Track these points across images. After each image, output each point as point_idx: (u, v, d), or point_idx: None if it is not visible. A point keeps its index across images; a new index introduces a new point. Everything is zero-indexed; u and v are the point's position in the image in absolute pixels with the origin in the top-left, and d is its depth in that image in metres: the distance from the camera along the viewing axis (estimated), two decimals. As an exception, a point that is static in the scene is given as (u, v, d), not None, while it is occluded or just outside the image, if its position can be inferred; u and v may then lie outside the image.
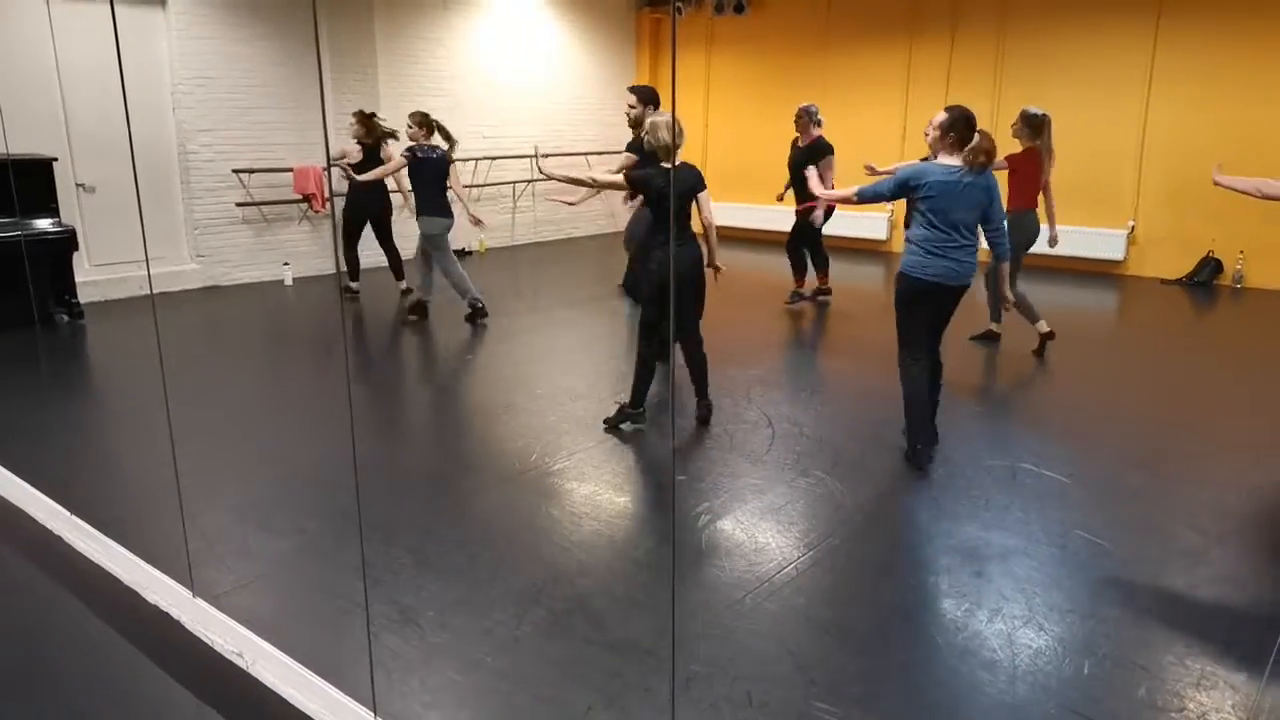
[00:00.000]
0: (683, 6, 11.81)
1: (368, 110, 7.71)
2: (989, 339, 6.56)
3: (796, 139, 7.69)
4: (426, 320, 7.26)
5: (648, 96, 5.73)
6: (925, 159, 6.31)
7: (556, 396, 5.42)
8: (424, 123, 6.93)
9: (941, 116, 4.18)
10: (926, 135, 4.37)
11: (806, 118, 7.52)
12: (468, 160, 10.62)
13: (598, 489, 4.12)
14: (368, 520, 3.66)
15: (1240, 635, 2.92)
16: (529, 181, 11.38)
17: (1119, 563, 3.41)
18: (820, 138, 7.48)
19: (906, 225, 4.59)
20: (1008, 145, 6.54)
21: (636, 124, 5.69)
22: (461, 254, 10.66)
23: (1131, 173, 9.30)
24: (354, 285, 8.18)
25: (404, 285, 8.12)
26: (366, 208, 7.83)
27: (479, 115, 10.80)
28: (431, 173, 6.92)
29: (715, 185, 4.79)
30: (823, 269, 8.03)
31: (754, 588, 3.22)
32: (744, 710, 2.54)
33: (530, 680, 2.68)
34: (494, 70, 10.90)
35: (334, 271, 8.23)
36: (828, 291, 8.08)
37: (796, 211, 7.73)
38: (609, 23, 12.28)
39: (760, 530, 3.69)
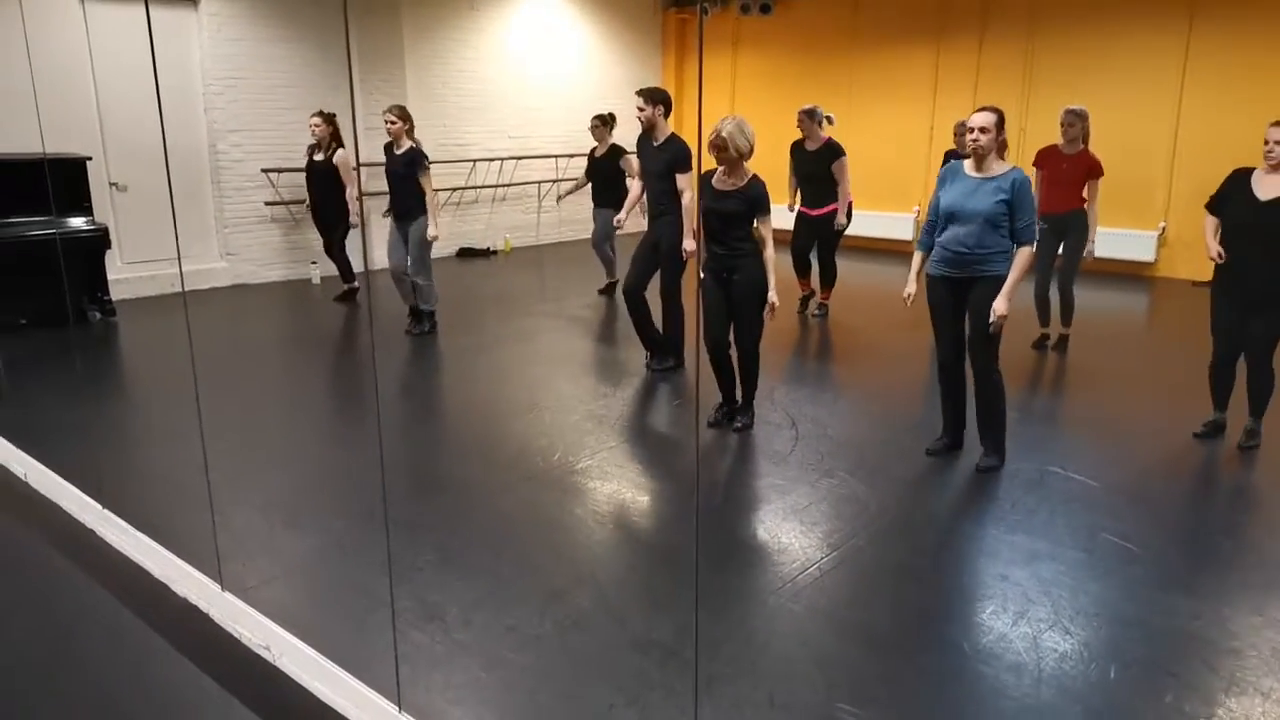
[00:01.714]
0: (709, 7, 11.78)
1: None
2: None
3: (801, 141, 7.24)
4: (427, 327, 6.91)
5: (658, 97, 5.66)
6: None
7: (580, 395, 5.44)
8: (402, 116, 6.46)
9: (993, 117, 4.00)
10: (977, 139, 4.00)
11: (810, 119, 7.09)
12: (493, 160, 10.68)
13: (621, 488, 4.13)
14: (393, 518, 3.69)
15: (1270, 643, 2.88)
16: (554, 181, 11.42)
17: (1146, 567, 3.37)
18: (832, 139, 7.15)
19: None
20: (1039, 144, 6.48)
21: (650, 126, 5.60)
22: (487, 254, 10.73)
23: (1163, 174, 9.18)
24: (345, 285, 8.14)
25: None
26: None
27: (505, 115, 10.86)
28: (391, 174, 6.56)
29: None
30: (830, 283, 7.47)
31: (777, 588, 3.22)
32: (766, 711, 2.54)
33: (553, 678, 2.70)
34: (520, 70, 10.95)
35: (360, 270, 8.27)
36: (826, 307, 7.54)
37: (812, 216, 7.26)
38: (635, 23, 12.29)
39: (783, 531, 3.68)
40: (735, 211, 4.50)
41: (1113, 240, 9.17)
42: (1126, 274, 9.40)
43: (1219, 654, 2.81)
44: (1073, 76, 9.44)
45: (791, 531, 3.67)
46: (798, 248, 7.46)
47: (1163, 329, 7.72)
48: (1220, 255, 4.42)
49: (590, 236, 8.57)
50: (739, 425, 4.79)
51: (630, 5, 12.16)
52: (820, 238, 7.35)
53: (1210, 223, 4.54)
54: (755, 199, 4.48)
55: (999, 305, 3.97)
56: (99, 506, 3.61)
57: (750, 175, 4.53)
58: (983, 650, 2.83)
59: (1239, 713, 2.53)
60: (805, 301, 7.61)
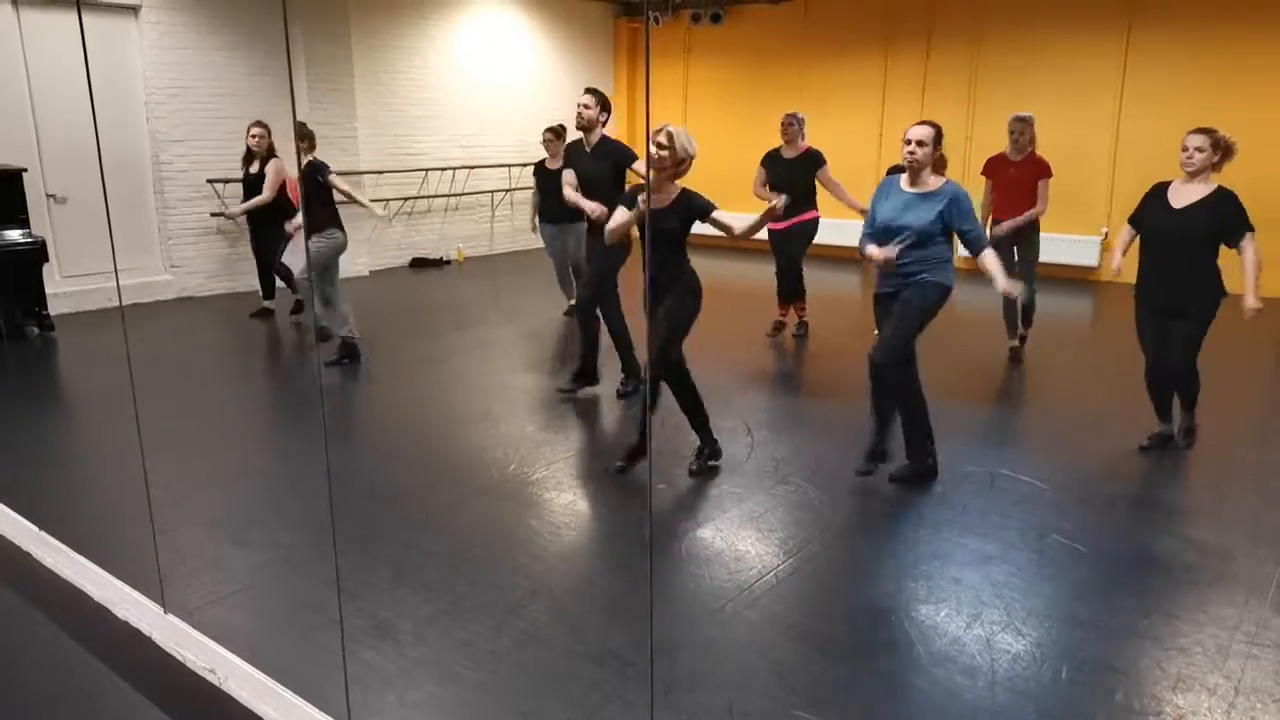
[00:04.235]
0: (659, 16, 11.84)
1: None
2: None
3: (778, 150, 6.92)
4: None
5: (603, 101, 5.52)
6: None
7: (534, 405, 5.39)
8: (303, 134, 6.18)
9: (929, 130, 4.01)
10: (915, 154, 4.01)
11: (798, 125, 6.79)
12: (446, 169, 10.59)
13: (576, 498, 4.10)
14: (344, 533, 3.62)
15: (1215, 639, 2.94)
16: (507, 190, 11.36)
17: (1095, 567, 3.42)
18: (812, 147, 6.85)
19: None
20: (985, 152, 6.59)
21: (589, 127, 5.37)
22: (440, 264, 10.63)
23: (1105, 180, 9.40)
24: (268, 304, 7.89)
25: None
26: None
27: (457, 124, 10.78)
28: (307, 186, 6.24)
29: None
30: (801, 296, 7.10)
31: (734, 596, 3.21)
32: (724, 719, 2.53)
33: (509, 693, 2.66)
34: (472, 79, 10.88)
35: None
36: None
37: (785, 227, 6.75)
38: (587, 32, 12.30)
39: (739, 538, 3.68)
40: (672, 229, 4.14)
41: (1056, 245, 9.32)
42: (1071, 279, 9.60)
43: (1166, 652, 2.86)
44: (1016, 84, 9.64)
45: (748, 539, 3.67)
46: (784, 268, 6.97)
47: (1107, 332, 7.89)
48: (1119, 270, 4.66)
49: (551, 256, 7.65)
50: (704, 465, 4.37)
51: (582, 14, 12.17)
52: (793, 250, 6.93)
53: (1125, 231, 4.65)
54: (696, 207, 4.14)
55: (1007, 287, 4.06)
56: (34, 528, 3.49)
57: (679, 189, 4.18)
58: (938, 653, 2.85)
59: (1186, 709, 2.58)
60: (779, 327, 7.06)
